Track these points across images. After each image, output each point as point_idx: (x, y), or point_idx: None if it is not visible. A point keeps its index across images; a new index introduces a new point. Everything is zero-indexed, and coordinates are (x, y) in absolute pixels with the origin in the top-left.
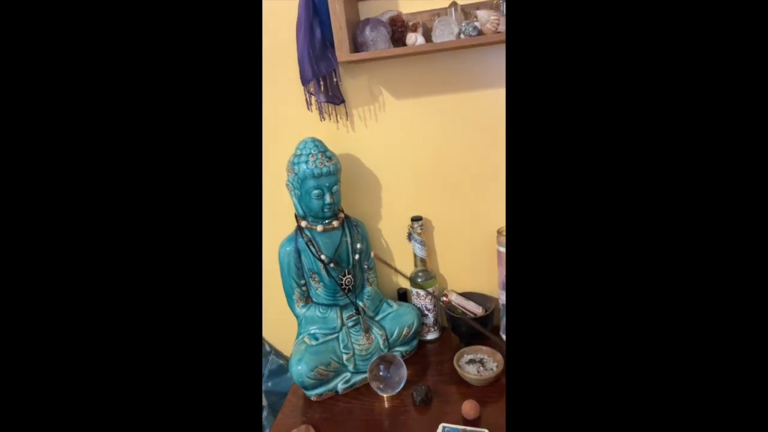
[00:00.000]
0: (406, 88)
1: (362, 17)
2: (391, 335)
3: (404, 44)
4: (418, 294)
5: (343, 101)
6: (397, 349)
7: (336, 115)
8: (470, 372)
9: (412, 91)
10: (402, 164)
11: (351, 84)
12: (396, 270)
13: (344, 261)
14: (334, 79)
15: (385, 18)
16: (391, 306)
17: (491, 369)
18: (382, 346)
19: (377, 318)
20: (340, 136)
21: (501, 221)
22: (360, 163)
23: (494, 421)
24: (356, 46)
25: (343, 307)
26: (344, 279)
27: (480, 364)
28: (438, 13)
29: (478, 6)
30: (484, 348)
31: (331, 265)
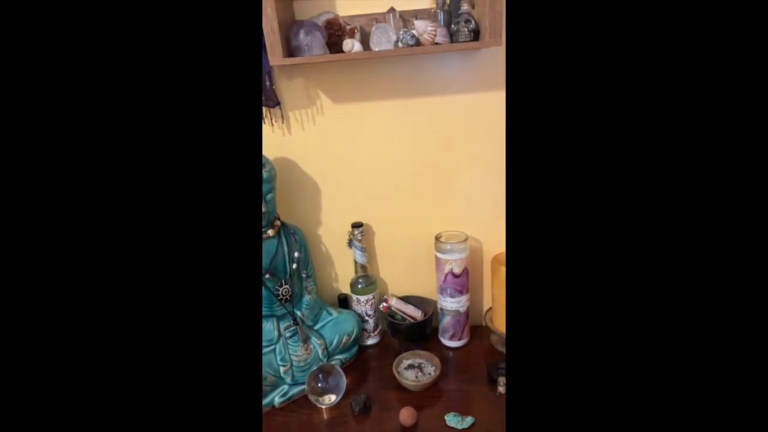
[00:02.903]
0: (344, 92)
1: (297, 17)
2: (331, 344)
3: (341, 49)
4: (358, 300)
5: (278, 104)
6: (336, 357)
7: (271, 118)
8: (408, 378)
9: (350, 95)
10: (341, 169)
11: (287, 86)
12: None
13: (281, 271)
14: (267, 82)
15: (321, 20)
16: (330, 314)
17: (429, 374)
18: (321, 356)
19: (316, 327)
20: (275, 139)
21: (439, 227)
22: (297, 167)
23: (430, 427)
24: (290, 49)
25: (280, 318)
26: (281, 289)
27: (418, 369)
28: (376, 18)
29: (416, 14)
30: (422, 353)
31: (267, 276)
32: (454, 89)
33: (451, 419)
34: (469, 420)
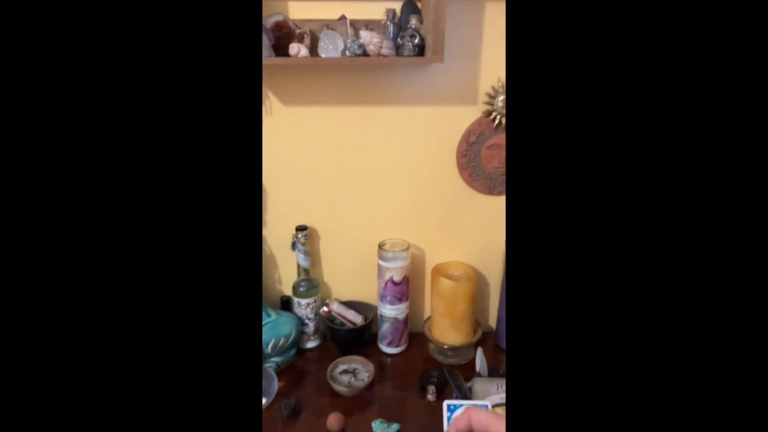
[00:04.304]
0: (294, 96)
1: None
2: (266, 346)
3: (287, 53)
4: (299, 303)
5: None
6: (272, 359)
7: None
8: (341, 383)
9: (300, 99)
10: (289, 171)
11: None
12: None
13: None
14: None
15: (270, 22)
16: (269, 315)
17: (362, 379)
18: None
19: None
20: None
21: (383, 234)
22: None
23: None
24: None
25: None
26: None
27: (352, 374)
28: (328, 24)
29: (367, 24)
30: (358, 358)
31: None
32: (402, 101)
33: (377, 426)
34: (394, 427)
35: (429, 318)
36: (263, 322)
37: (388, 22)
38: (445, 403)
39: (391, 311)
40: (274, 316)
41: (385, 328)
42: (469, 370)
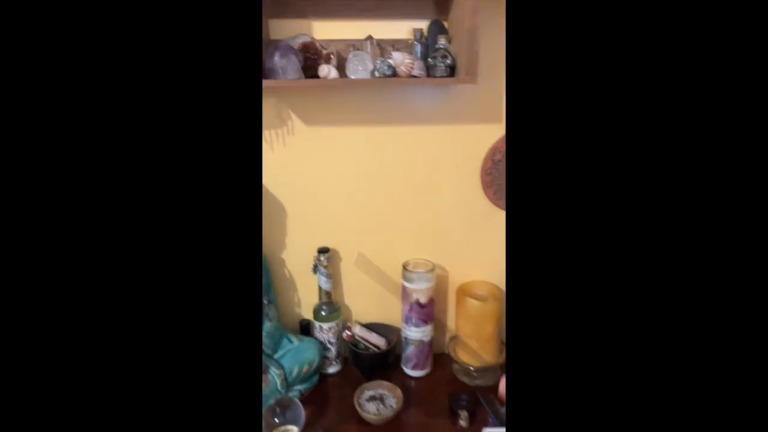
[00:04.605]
0: (317, 115)
1: (272, 36)
2: (290, 374)
3: (316, 74)
4: (321, 327)
5: None
6: (296, 387)
7: None
8: (369, 411)
9: (323, 118)
10: (310, 192)
11: None
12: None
13: None
14: None
15: (297, 43)
16: (291, 341)
17: (390, 406)
18: (279, 387)
19: (276, 355)
20: None
21: (407, 254)
22: (264, 189)
23: None
24: (264, 70)
25: None
26: None
27: (380, 401)
28: (353, 44)
29: (393, 43)
30: (384, 383)
31: None
32: (427, 120)
33: None
34: None
35: (453, 338)
36: (285, 350)
37: (416, 42)
38: (486, 431)
39: (416, 333)
40: (296, 342)
41: (410, 350)
42: (495, 392)
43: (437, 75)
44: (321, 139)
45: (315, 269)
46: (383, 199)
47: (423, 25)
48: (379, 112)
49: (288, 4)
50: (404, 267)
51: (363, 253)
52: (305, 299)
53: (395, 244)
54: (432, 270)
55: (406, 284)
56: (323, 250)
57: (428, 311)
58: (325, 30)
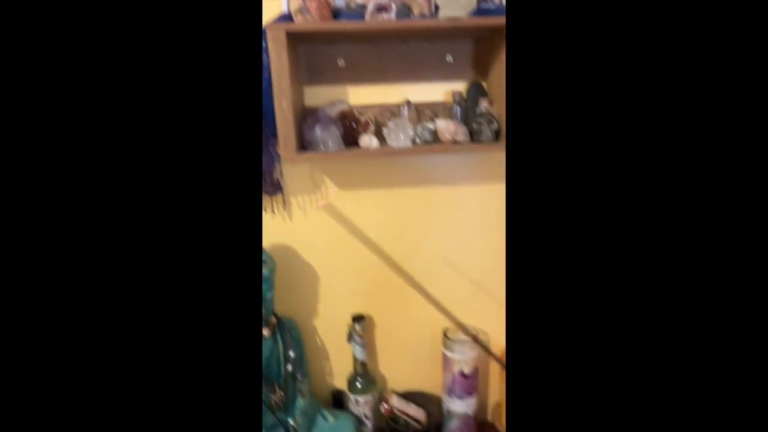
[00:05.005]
0: (351, 179)
1: (308, 103)
2: None
3: (355, 142)
4: (356, 401)
5: (280, 190)
6: None
7: (272, 204)
8: None
9: (357, 182)
10: (343, 257)
11: (291, 171)
12: None
13: (275, 374)
14: (275, 176)
15: (335, 111)
16: (326, 419)
17: None
18: None
19: None
20: (275, 225)
21: (447, 322)
22: (296, 254)
23: None
24: (303, 141)
25: (270, 429)
26: (274, 396)
27: None
28: (390, 109)
29: (431, 106)
30: None
31: None
32: (464, 181)
33: None
34: None
35: (499, 406)
36: (320, 429)
37: (456, 105)
38: None
39: (460, 406)
40: (331, 419)
41: (453, 425)
42: None
43: (482, 140)
44: (354, 201)
45: (350, 338)
46: (420, 261)
47: (461, 86)
48: (413, 174)
49: (325, 72)
50: (445, 335)
51: (399, 318)
52: (338, 368)
53: (433, 310)
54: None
55: (448, 354)
56: (358, 318)
57: (473, 382)
58: (361, 94)
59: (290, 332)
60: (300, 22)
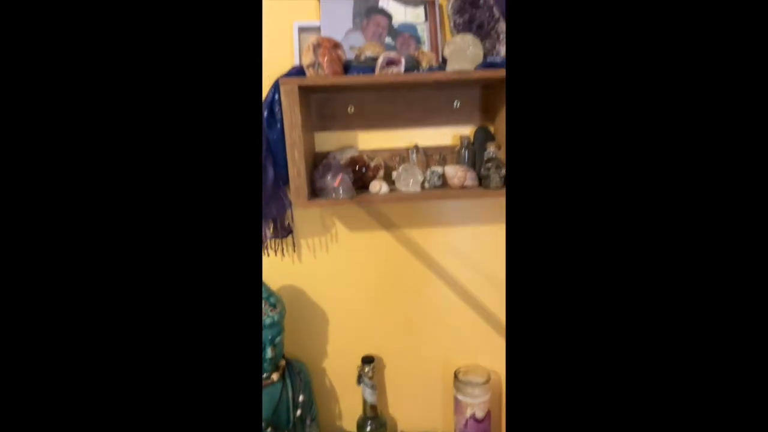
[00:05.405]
0: (361, 221)
1: (318, 148)
2: None
3: (365, 186)
4: None
5: (290, 233)
6: None
7: (282, 247)
8: None
9: (367, 223)
10: (353, 298)
11: (301, 215)
12: None
13: (284, 420)
14: (286, 221)
15: (345, 158)
16: None
17: None
18: None
19: None
20: (284, 266)
21: (458, 362)
22: (305, 295)
23: None
24: (314, 188)
25: None
26: None
27: None
28: (399, 153)
29: (439, 151)
30: None
31: (268, 430)
32: (472, 221)
33: None
34: None
35: None
36: None
37: (463, 150)
38: None
39: None
40: None
41: None
42: None
43: (492, 186)
44: (364, 243)
45: (359, 380)
46: (429, 302)
47: (467, 130)
48: (423, 216)
49: (336, 119)
50: (456, 376)
51: (409, 358)
52: (347, 410)
53: (444, 352)
54: (487, 380)
55: (460, 397)
56: (368, 360)
57: (485, 427)
58: (370, 139)
59: (300, 375)
60: (312, 77)
